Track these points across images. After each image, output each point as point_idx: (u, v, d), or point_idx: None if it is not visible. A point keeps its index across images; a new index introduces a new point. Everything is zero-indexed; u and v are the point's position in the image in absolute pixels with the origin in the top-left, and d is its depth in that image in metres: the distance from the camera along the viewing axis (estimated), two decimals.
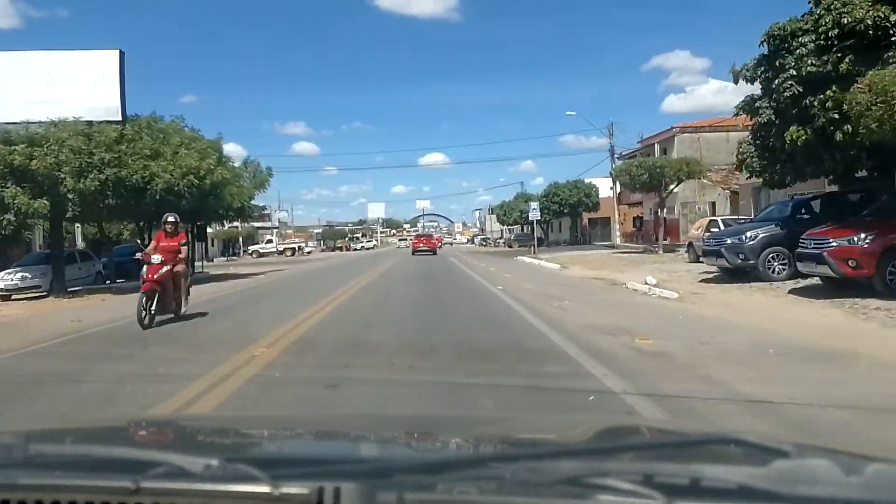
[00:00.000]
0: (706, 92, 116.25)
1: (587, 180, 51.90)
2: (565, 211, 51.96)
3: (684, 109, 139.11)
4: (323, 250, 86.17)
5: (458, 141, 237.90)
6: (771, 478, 1.10)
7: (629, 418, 3.79)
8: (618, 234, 39.03)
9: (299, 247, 62.81)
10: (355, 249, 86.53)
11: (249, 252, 59.79)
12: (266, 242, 61.07)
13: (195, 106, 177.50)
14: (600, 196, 50.50)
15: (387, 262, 31.11)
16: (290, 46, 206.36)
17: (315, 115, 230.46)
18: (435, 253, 42.49)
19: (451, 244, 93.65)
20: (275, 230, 76.18)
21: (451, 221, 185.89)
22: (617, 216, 39.60)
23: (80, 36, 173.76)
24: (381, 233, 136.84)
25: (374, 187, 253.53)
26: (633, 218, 40.66)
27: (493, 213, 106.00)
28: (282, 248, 60.37)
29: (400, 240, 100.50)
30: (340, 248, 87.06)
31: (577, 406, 4.66)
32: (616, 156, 39.19)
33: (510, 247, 57.54)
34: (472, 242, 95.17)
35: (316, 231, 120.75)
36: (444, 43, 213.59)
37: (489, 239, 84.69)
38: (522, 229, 66.65)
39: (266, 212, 74.32)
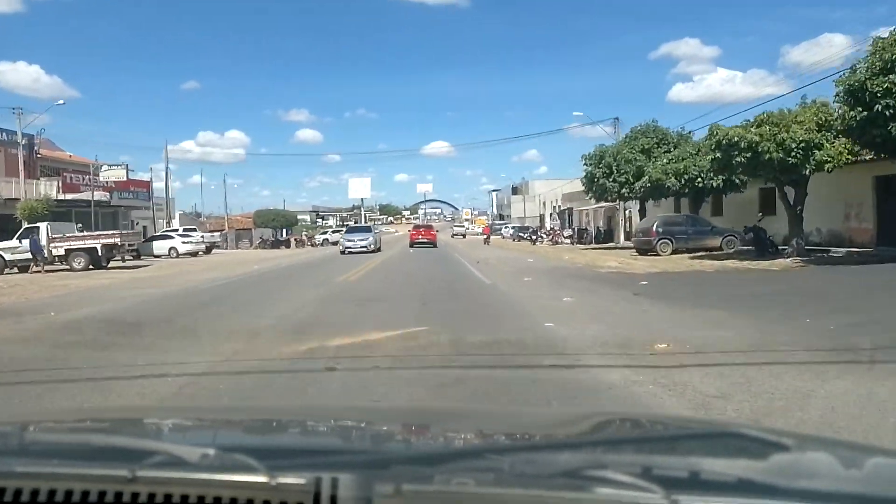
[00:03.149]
0: (714, 80, 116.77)
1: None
2: (880, 139, 14.59)
3: (691, 98, 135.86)
4: (258, 246, 54.05)
5: (462, 130, 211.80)
6: (770, 471, 1.06)
7: (628, 411, 3.72)
8: None
9: (94, 247, 24.38)
10: (313, 245, 56.42)
11: None
12: None
13: (198, 92, 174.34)
14: None
15: None
16: (293, 33, 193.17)
17: (318, 103, 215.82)
18: (435, 245, 35.77)
19: (464, 236, 64.91)
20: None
21: (456, 208, 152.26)
22: None
23: (82, 19, 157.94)
24: (374, 220, 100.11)
25: (377, 175, 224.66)
26: None
27: (517, 196, 71.75)
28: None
29: (348, 230, 39.35)
30: (283, 245, 54.38)
31: None
32: None
33: (643, 252, 22.25)
34: (501, 234, 59.61)
35: (301, 218, 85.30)
36: (450, 29, 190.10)
37: (528, 230, 51.29)
38: (641, 208, 30.90)
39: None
